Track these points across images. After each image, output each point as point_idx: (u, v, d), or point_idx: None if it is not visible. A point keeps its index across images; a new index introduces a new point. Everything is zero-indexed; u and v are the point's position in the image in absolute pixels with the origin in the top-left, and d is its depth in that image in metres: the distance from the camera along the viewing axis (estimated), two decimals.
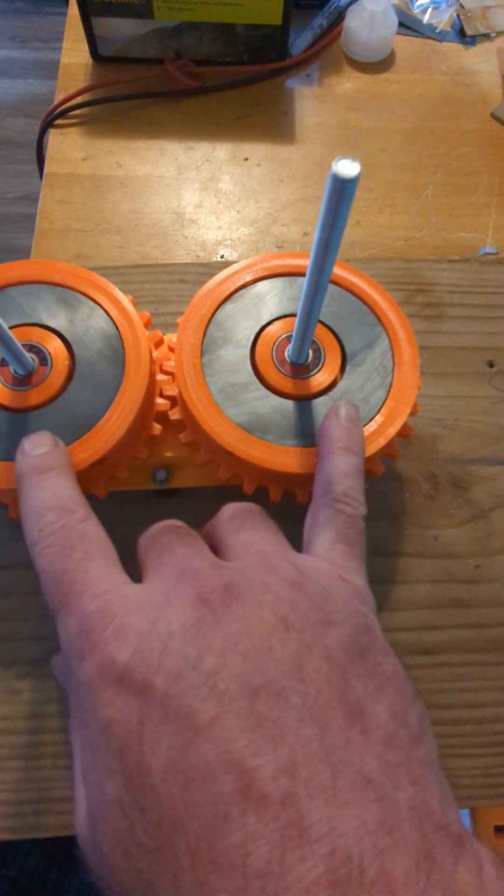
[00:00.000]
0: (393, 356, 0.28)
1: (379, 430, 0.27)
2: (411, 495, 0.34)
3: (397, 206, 0.47)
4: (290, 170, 0.48)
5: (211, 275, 0.30)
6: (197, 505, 0.34)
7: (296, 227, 0.46)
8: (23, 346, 0.27)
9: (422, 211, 0.47)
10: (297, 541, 0.31)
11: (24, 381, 0.27)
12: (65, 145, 0.48)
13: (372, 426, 0.27)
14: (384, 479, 0.34)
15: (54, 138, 0.48)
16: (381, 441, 0.27)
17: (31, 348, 0.27)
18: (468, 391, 0.37)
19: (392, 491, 0.34)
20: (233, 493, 0.33)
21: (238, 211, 0.47)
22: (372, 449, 0.26)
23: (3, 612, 0.31)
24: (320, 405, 0.27)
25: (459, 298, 0.40)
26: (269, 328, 0.29)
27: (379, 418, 0.27)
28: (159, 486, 0.31)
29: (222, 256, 0.45)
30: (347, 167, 0.16)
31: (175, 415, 0.29)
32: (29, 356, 0.27)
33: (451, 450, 0.35)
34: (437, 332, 0.39)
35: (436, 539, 0.33)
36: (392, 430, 0.26)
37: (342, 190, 0.16)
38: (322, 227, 0.18)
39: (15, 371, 0.27)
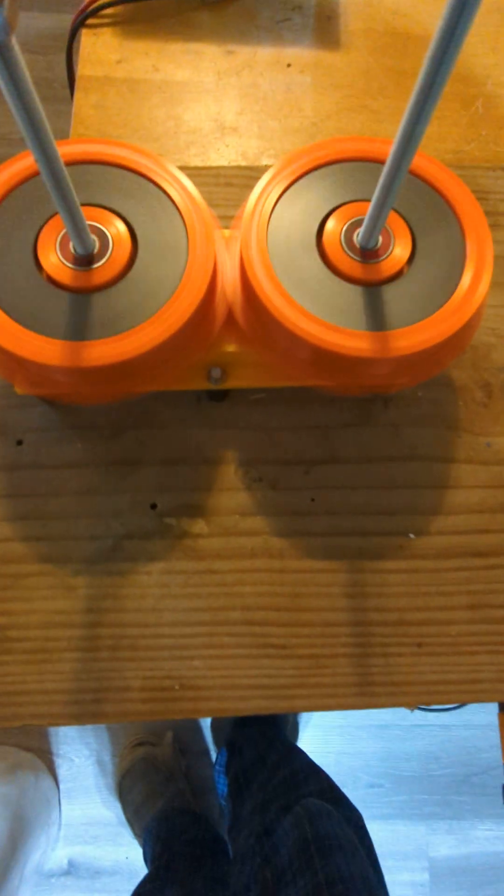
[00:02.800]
0: (464, 239, 0.27)
1: (447, 316, 0.26)
2: (464, 403, 0.34)
3: (446, 119, 0.45)
4: (335, 78, 0.46)
5: (257, 178, 0.29)
6: (249, 411, 0.33)
7: None
8: None
9: (471, 123, 0.45)
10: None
11: (85, 260, 0.26)
12: (98, 46, 0.46)
13: (446, 310, 0.26)
14: (437, 386, 0.34)
15: (86, 38, 0.46)
16: (450, 329, 0.26)
17: (93, 229, 0.26)
18: None
19: (446, 399, 0.34)
20: (286, 397, 0.33)
21: (280, 120, 0.45)
22: (447, 331, 0.25)
23: (56, 512, 0.31)
24: (389, 291, 0.26)
25: None
26: (334, 214, 0.27)
27: (454, 301, 0.26)
28: (214, 385, 0.30)
29: (266, 165, 0.43)
30: None
31: (239, 307, 0.28)
32: (91, 237, 0.26)
33: None
34: (494, 242, 0.37)
35: (489, 446, 0.33)
36: (468, 312, 0.26)
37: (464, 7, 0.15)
38: (435, 51, 0.17)
39: (75, 249, 0.26)
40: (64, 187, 0.21)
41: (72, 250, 0.26)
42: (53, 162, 0.20)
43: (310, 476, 0.32)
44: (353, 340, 0.25)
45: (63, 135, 0.49)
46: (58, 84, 1.36)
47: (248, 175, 0.37)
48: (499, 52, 0.48)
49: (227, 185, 0.37)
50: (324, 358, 0.26)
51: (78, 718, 0.29)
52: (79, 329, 0.25)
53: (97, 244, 0.26)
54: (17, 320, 0.25)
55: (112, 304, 0.25)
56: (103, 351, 0.25)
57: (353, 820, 0.52)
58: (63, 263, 0.25)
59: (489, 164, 0.38)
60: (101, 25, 0.47)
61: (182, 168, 0.38)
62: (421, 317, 0.26)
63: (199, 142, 0.44)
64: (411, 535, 0.32)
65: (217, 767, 0.86)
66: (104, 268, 0.26)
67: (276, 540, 0.31)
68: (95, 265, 0.26)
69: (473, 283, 0.26)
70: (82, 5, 0.47)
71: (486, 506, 0.32)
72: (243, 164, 0.43)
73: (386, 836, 1.06)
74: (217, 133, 0.44)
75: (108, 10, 0.47)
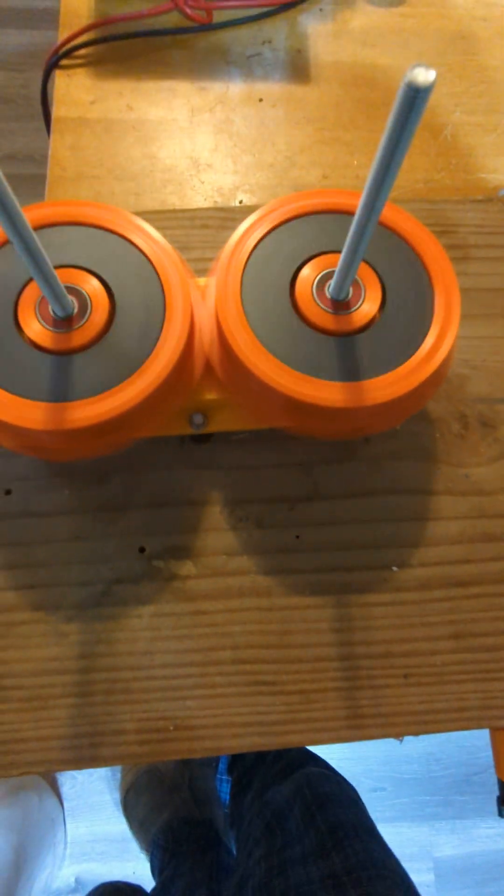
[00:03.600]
0: (433, 288, 0.28)
1: (422, 363, 0.27)
2: (441, 435, 0.35)
3: (415, 148, 0.46)
4: (306, 111, 0.47)
5: (233, 219, 0.30)
6: (232, 451, 0.34)
7: (314, 170, 0.45)
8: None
9: (441, 152, 0.46)
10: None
11: (64, 323, 0.26)
12: (72, 87, 0.46)
13: (412, 363, 0.27)
14: (415, 420, 0.35)
15: (60, 79, 0.46)
16: (421, 376, 0.27)
17: (71, 290, 0.27)
18: (495, 332, 0.37)
19: (423, 432, 0.35)
20: (268, 437, 0.33)
21: (254, 155, 0.46)
22: (412, 384, 0.26)
23: (45, 559, 0.32)
24: (361, 341, 0.27)
25: (484, 239, 0.39)
26: (306, 267, 0.28)
27: (420, 353, 0.27)
28: (196, 431, 0.31)
29: (241, 202, 0.44)
30: (423, 75, 0.15)
31: (215, 356, 0.29)
32: (69, 299, 0.26)
33: (479, 390, 0.36)
34: (462, 274, 0.38)
35: (467, 477, 0.34)
36: (435, 363, 0.27)
37: (415, 100, 0.16)
38: (387, 141, 0.18)
39: (55, 312, 0.26)
40: (38, 259, 0.22)
41: (51, 313, 0.26)
42: (25, 237, 0.21)
43: (294, 513, 0.33)
44: (326, 391, 0.26)
45: (42, 154, 0.50)
46: (36, 101, 1.37)
47: (223, 217, 0.38)
48: (465, 80, 0.49)
49: (203, 227, 0.38)
50: (298, 408, 0.27)
51: (76, 763, 0.29)
52: (61, 390, 0.26)
53: (76, 305, 0.27)
54: None
55: (93, 364, 0.26)
56: (86, 411, 0.25)
57: (352, 793, 0.53)
58: (44, 327, 0.26)
59: (458, 198, 0.39)
60: (74, 66, 0.47)
61: (158, 211, 0.39)
62: (393, 365, 0.27)
63: (175, 179, 0.45)
64: (394, 568, 0.32)
65: (219, 775, 0.87)
66: (84, 329, 0.26)
67: (263, 578, 0.32)
68: (75, 326, 0.26)
69: (441, 334, 0.27)
70: (55, 47, 0.47)
71: (466, 536, 0.33)
72: (219, 200, 0.44)
73: (390, 839, 1.07)
74: (192, 170, 0.45)
75: (81, 51, 0.48)
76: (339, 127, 0.47)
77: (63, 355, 0.26)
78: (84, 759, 0.29)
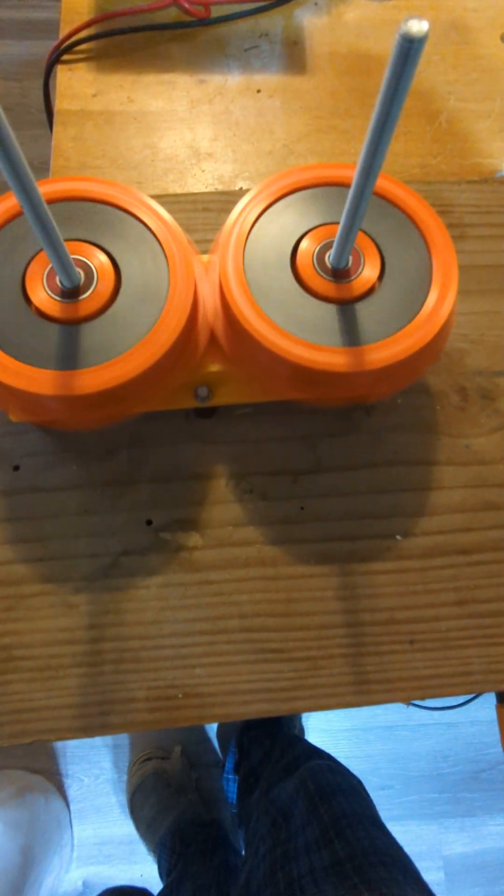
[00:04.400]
0: (430, 255, 0.29)
1: (419, 328, 0.27)
2: (442, 407, 0.35)
3: (412, 134, 0.47)
4: (304, 101, 0.48)
5: (234, 202, 0.30)
6: (235, 425, 0.35)
7: (312, 158, 0.46)
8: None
9: (436, 138, 0.47)
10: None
11: (71, 293, 0.27)
12: (74, 81, 0.47)
13: (412, 326, 0.27)
14: (416, 392, 0.35)
15: (62, 74, 0.48)
16: (423, 339, 0.27)
17: (77, 262, 0.28)
18: (492, 307, 0.38)
19: (424, 404, 0.35)
20: (271, 410, 0.34)
21: (253, 143, 0.47)
22: (414, 346, 0.27)
23: (54, 533, 0.32)
24: (362, 308, 0.28)
25: (479, 218, 0.40)
26: (307, 237, 0.29)
27: (420, 317, 0.28)
28: (201, 404, 0.32)
29: (241, 188, 0.45)
30: (416, 25, 0.16)
31: (220, 329, 0.29)
32: (77, 271, 0.27)
33: (477, 363, 0.36)
34: (460, 252, 0.39)
35: (467, 447, 0.35)
36: (433, 329, 0.27)
37: (409, 51, 0.17)
38: (384, 95, 0.18)
39: (62, 283, 0.27)
40: (48, 227, 0.23)
41: (58, 284, 0.27)
42: (37, 205, 0.21)
43: (298, 485, 0.34)
44: (329, 356, 0.27)
45: (42, 161, 0.51)
46: (34, 109, 1.39)
47: (224, 200, 0.39)
48: (459, 69, 0.50)
49: (204, 211, 0.39)
50: (302, 374, 0.27)
51: (86, 731, 0.30)
52: (69, 359, 0.26)
53: (83, 277, 0.27)
54: (9, 353, 0.26)
55: (99, 334, 0.27)
56: (93, 379, 0.26)
57: (355, 782, 0.54)
58: (51, 297, 0.27)
59: (454, 179, 0.40)
60: (76, 61, 0.48)
61: (160, 196, 0.40)
62: (393, 331, 0.27)
63: (176, 168, 0.46)
64: (398, 537, 0.33)
65: (226, 774, 0.87)
66: (90, 299, 0.27)
67: (269, 548, 0.33)
68: (82, 297, 0.27)
69: (440, 296, 0.28)
70: (57, 42, 0.49)
71: (468, 505, 0.34)
72: (220, 188, 0.45)
73: (399, 837, 1.06)
74: (193, 159, 0.46)
75: (83, 46, 0.49)
76: (335, 115, 0.48)
77: (70, 325, 0.27)
78: (94, 727, 0.30)
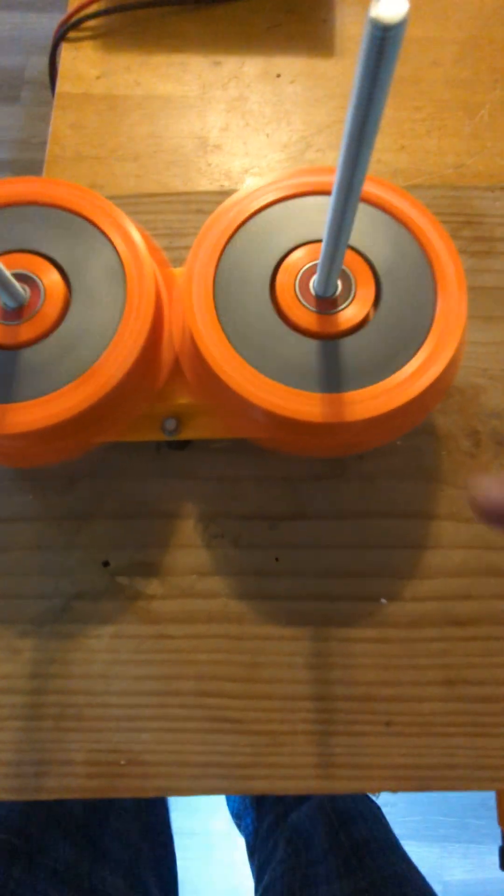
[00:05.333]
0: (436, 289, 0.24)
1: (416, 374, 0.23)
2: (448, 453, 0.31)
3: (448, 128, 0.42)
4: (328, 87, 0.43)
5: None
6: (210, 459, 0.31)
7: (332, 152, 0.42)
8: (14, 275, 0.24)
9: (475, 133, 0.42)
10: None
11: (14, 314, 0.24)
12: (78, 61, 0.44)
13: (408, 370, 0.23)
14: (419, 434, 0.31)
15: (67, 53, 0.44)
16: (419, 387, 0.23)
17: (24, 278, 0.24)
18: None
19: (427, 448, 0.31)
20: (251, 447, 0.30)
21: (268, 135, 0.42)
22: (405, 397, 0.23)
23: (4, 568, 0.30)
24: (349, 345, 0.24)
25: None
26: (292, 256, 0.25)
27: (415, 362, 0.23)
28: (169, 437, 0.28)
29: None
30: (391, 7, 0.12)
31: (184, 358, 0.26)
32: (20, 286, 0.24)
33: (495, 403, 0.32)
34: (486, 271, 0.34)
35: None
36: (431, 376, 0.23)
37: (383, 43, 0.12)
38: (357, 99, 0.14)
39: (5, 304, 0.24)
40: None
41: (1, 304, 0.24)
42: None
43: (275, 532, 0.30)
44: (306, 404, 0.23)
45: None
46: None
47: (220, 201, 0.35)
48: None
49: (198, 212, 0.35)
50: (276, 422, 0.23)
51: (18, 793, 0.27)
52: (5, 389, 0.23)
53: (28, 294, 0.24)
54: None
55: (40, 361, 0.23)
56: (31, 414, 0.23)
57: (374, 806, 0.52)
58: None
59: (486, 184, 0.35)
60: (83, 38, 0.45)
61: (152, 194, 0.36)
62: (384, 375, 0.23)
63: (180, 161, 0.42)
64: (383, 601, 0.29)
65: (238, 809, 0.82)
66: (35, 321, 0.24)
67: (236, 603, 0.29)
68: (25, 318, 0.24)
69: (443, 336, 0.23)
70: (64, 17, 0.45)
71: (468, 568, 0.29)
72: (226, 184, 0.41)
73: None
74: (200, 151, 0.42)
75: (91, 23, 0.45)
76: None
77: (9, 350, 0.23)
78: (27, 789, 0.27)
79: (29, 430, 0.22)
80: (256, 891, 0.52)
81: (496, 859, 1.08)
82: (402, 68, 0.43)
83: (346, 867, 0.43)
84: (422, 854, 1.05)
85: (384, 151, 0.41)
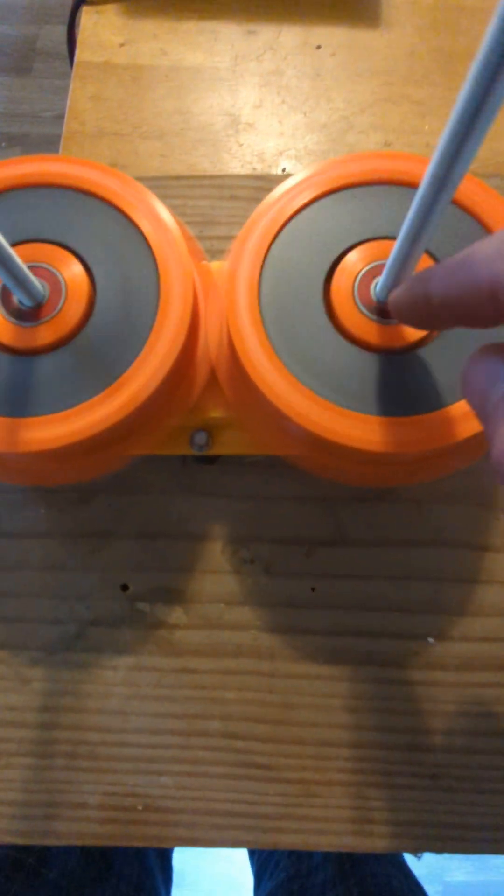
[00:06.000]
0: None
1: None
2: None
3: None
4: (372, 61, 0.39)
5: (270, 190, 0.23)
6: (242, 476, 0.28)
7: (375, 134, 0.38)
8: (30, 268, 0.21)
9: None
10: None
11: (30, 314, 0.21)
12: (100, 27, 0.40)
13: None
14: None
15: (87, 17, 0.40)
16: None
17: (42, 272, 0.21)
18: None
19: (484, 470, 0.28)
20: (286, 462, 0.27)
21: (305, 113, 0.39)
22: (475, 427, 0.20)
23: (13, 589, 0.27)
24: (414, 361, 0.20)
25: None
26: (350, 255, 0.22)
27: None
28: (198, 452, 0.25)
29: (284, 170, 0.37)
30: None
31: (221, 367, 0.23)
32: (38, 282, 0.21)
33: None
34: None
35: None
36: None
37: None
38: (479, 72, 0.11)
39: (20, 301, 0.21)
40: None
41: (16, 301, 0.21)
42: None
43: (311, 560, 0.27)
44: (361, 429, 0.20)
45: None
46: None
47: (258, 186, 0.32)
48: None
49: (231, 199, 0.32)
50: (323, 446, 0.20)
51: (25, 836, 0.25)
52: (19, 402, 0.20)
53: (47, 291, 0.21)
54: None
55: (60, 369, 0.20)
56: (47, 431, 0.20)
57: None
58: (4, 317, 0.21)
59: None
60: (105, 2, 0.41)
61: (180, 177, 0.33)
62: (455, 396, 0.20)
63: (208, 140, 0.38)
64: (430, 640, 0.26)
65: None
66: (54, 322, 0.21)
67: (267, 636, 0.26)
68: (43, 319, 0.21)
69: None
70: None
71: None
72: (258, 167, 0.37)
73: None
74: (230, 130, 0.38)
75: None
76: (409, 82, 0.39)
77: (24, 356, 0.20)
78: (35, 833, 0.25)
79: (46, 448, 0.20)
80: (256, 890, 0.51)
81: (498, 861, 1.07)
82: (456, 42, 0.40)
83: (340, 876, 0.42)
84: (424, 854, 1.04)
85: (436, 134, 0.38)
